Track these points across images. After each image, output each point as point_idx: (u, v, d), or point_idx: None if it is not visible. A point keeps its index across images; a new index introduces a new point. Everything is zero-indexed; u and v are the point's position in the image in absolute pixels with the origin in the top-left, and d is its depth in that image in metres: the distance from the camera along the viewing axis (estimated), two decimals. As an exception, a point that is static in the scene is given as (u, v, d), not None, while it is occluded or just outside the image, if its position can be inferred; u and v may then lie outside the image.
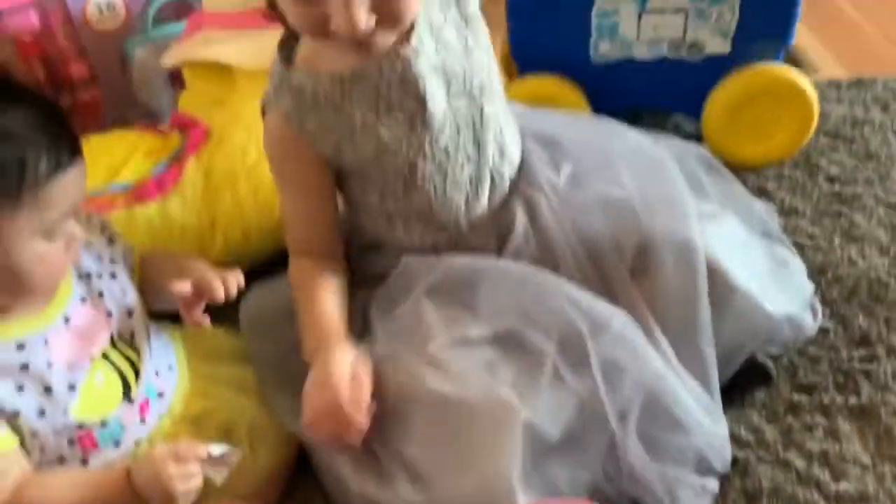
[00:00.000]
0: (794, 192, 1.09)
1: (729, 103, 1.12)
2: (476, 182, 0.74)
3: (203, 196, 0.97)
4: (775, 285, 0.78)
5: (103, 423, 0.62)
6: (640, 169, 0.78)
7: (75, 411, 0.61)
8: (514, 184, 0.77)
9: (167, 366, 0.69)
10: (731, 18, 1.08)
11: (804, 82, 1.10)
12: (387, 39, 0.65)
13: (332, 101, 0.68)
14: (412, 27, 0.67)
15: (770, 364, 0.81)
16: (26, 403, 0.58)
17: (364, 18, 0.59)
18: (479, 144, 0.74)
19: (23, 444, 0.59)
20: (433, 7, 0.69)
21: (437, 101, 0.70)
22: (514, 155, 0.78)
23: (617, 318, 0.68)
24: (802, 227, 1.01)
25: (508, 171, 0.77)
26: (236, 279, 0.68)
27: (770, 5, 1.07)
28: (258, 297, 0.82)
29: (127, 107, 1.26)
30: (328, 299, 0.72)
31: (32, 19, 1.14)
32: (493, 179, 0.75)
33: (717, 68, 1.12)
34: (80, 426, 0.61)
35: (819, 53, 1.45)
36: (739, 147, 1.13)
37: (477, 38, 0.72)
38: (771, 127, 1.12)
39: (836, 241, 0.99)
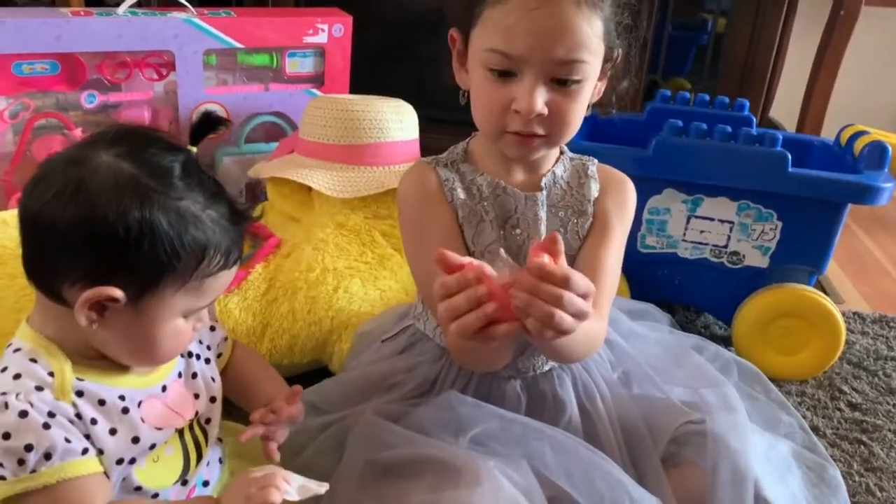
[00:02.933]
0: (815, 411, 1.11)
1: (761, 315, 1.18)
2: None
3: (262, 300, 1.02)
4: None
5: (154, 496, 0.63)
6: (695, 381, 0.85)
7: (138, 473, 0.61)
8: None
9: (218, 458, 0.70)
10: (772, 239, 1.17)
11: (834, 309, 1.16)
12: (539, 147, 0.75)
13: (482, 193, 0.79)
14: (543, 183, 0.79)
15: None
16: (113, 446, 0.59)
17: (540, 104, 0.70)
18: None
19: None
20: (558, 189, 0.80)
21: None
22: None
23: (650, 501, 0.70)
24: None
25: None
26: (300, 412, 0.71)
27: (808, 236, 1.16)
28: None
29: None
30: None
31: (145, 114, 1.27)
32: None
33: (753, 280, 1.19)
34: (138, 489, 0.62)
35: (846, 287, 1.54)
36: (765, 357, 1.17)
37: (579, 229, 0.80)
38: (798, 345, 1.17)
39: (855, 466, 1.00)
